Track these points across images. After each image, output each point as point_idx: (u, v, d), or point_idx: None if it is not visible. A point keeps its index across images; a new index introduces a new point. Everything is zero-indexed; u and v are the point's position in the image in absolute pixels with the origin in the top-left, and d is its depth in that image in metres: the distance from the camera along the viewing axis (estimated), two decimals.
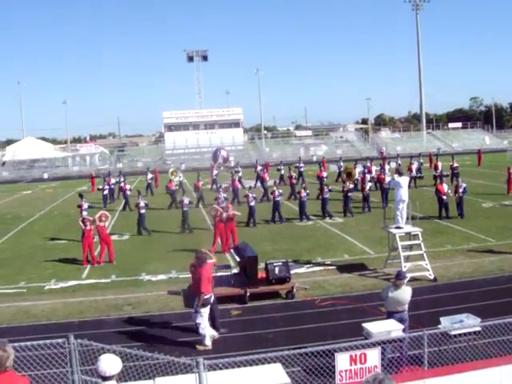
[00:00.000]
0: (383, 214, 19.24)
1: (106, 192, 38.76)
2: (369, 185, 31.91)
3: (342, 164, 47.67)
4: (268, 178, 42.66)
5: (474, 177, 42.90)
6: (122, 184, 39.18)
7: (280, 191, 28.89)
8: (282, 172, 44.86)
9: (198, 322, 12.79)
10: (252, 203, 27.87)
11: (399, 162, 45.95)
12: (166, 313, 15.27)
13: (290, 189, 37.32)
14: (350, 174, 31.93)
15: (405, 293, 11.08)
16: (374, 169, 39.70)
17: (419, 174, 41.78)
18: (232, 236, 22.64)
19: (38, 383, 8.99)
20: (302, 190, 28.83)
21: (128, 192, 36.89)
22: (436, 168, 41.12)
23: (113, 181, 42.73)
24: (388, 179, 30.66)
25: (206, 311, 12.76)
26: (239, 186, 38.78)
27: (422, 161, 45.89)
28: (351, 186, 30.39)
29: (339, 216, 29.19)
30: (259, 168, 44.29)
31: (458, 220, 26.38)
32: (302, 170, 45.54)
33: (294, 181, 38.69)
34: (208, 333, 12.72)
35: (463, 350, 9.32)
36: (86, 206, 27.48)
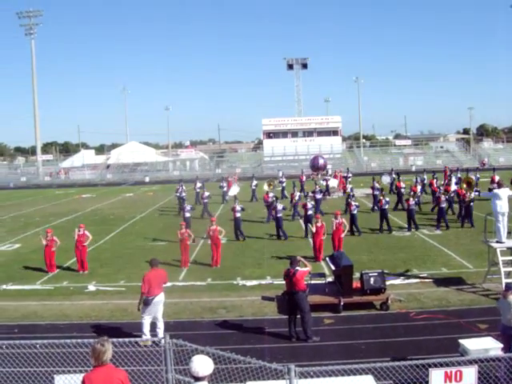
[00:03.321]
0: (484, 227, 18.60)
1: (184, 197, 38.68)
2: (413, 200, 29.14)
3: (394, 176, 45.03)
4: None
5: None
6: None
7: (387, 199, 28.38)
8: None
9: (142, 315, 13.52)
10: (354, 211, 27.68)
11: None
12: (260, 318, 15.38)
13: (397, 197, 36.61)
14: (469, 184, 30.88)
15: (509, 305, 10.60)
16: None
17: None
18: (339, 244, 22.74)
19: (134, 378, 9.27)
20: (411, 199, 28.47)
21: (206, 200, 36.44)
22: (493, 181, 38.76)
23: (198, 184, 43.59)
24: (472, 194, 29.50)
25: (147, 309, 13.38)
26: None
27: (459, 175, 42.39)
28: (472, 195, 29.37)
29: (427, 229, 28.42)
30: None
31: None
32: (350, 179, 44.50)
33: (403, 190, 37.06)
34: (145, 328, 13.22)
35: None
36: (188, 207, 29.07)
